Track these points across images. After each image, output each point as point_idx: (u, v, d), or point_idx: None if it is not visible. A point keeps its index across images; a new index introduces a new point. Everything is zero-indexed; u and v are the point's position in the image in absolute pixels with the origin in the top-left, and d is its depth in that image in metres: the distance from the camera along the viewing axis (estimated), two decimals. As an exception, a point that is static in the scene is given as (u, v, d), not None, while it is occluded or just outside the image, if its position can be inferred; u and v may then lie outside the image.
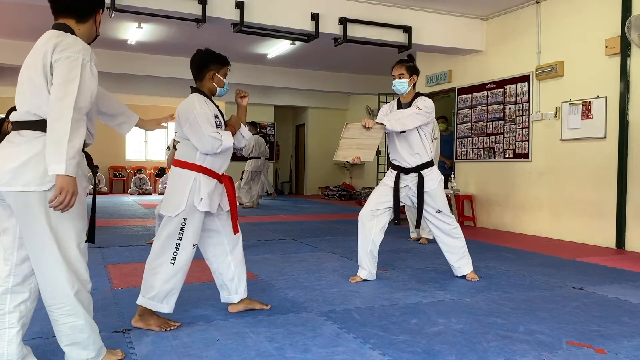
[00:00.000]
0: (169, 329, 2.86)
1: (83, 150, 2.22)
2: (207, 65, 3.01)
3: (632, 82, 5.74)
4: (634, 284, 4.12)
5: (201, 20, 6.04)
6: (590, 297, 3.67)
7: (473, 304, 3.48)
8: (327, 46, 7.52)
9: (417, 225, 4.52)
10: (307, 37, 6.88)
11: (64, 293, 2.15)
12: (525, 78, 7.08)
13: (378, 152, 9.34)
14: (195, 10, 5.98)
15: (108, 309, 3.24)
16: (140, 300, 2.90)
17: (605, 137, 6.02)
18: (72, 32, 2.24)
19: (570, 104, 6.41)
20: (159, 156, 16.11)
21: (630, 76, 5.74)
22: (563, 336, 2.83)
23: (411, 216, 6.04)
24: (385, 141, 4.49)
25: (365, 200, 4.39)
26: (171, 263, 2.89)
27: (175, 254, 2.90)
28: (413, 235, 6.28)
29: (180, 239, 2.90)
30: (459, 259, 4.19)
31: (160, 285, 2.88)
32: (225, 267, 3.14)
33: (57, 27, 2.25)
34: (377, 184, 4.41)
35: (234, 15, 6.21)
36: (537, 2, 6.89)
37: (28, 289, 2.24)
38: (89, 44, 2.31)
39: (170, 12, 5.98)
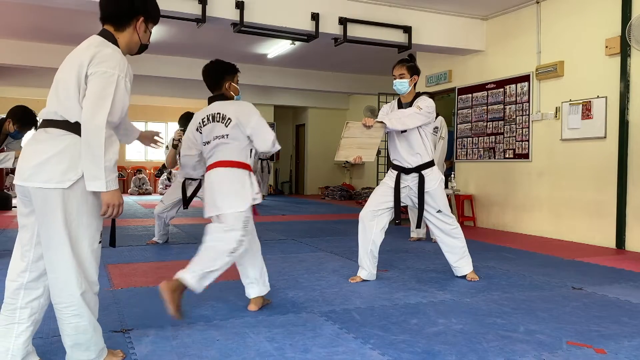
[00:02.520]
0: (178, 318, 2.80)
1: None
2: (222, 77, 3.22)
3: (632, 82, 5.74)
4: (634, 284, 4.12)
5: (201, 20, 6.04)
6: (590, 297, 3.67)
7: (473, 304, 3.48)
8: (327, 46, 7.52)
9: (418, 226, 4.52)
10: (307, 37, 6.88)
11: (71, 293, 2.15)
12: (525, 78, 7.08)
13: (378, 152, 9.30)
14: (195, 10, 5.98)
15: (108, 309, 3.23)
16: (181, 275, 2.84)
17: (605, 137, 6.02)
18: (114, 40, 2.26)
19: (570, 104, 6.41)
20: (159, 156, 16.10)
21: (630, 76, 5.74)
22: (563, 336, 2.83)
23: (413, 216, 6.04)
24: (386, 141, 4.49)
25: (365, 201, 4.39)
26: (231, 254, 2.98)
27: (235, 248, 3.00)
28: (413, 235, 6.28)
29: (244, 235, 3.03)
30: (459, 259, 4.19)
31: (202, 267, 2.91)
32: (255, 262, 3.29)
33: (101, 33, 2.27)
34: (377, 184, 4.41)
35: (234, 15, 6.21)
36: (537, 2, 6.89)
37: (42, 285, 2.25)
38: (135, 53, 2.35)
39: (170, 12, 5.97)
